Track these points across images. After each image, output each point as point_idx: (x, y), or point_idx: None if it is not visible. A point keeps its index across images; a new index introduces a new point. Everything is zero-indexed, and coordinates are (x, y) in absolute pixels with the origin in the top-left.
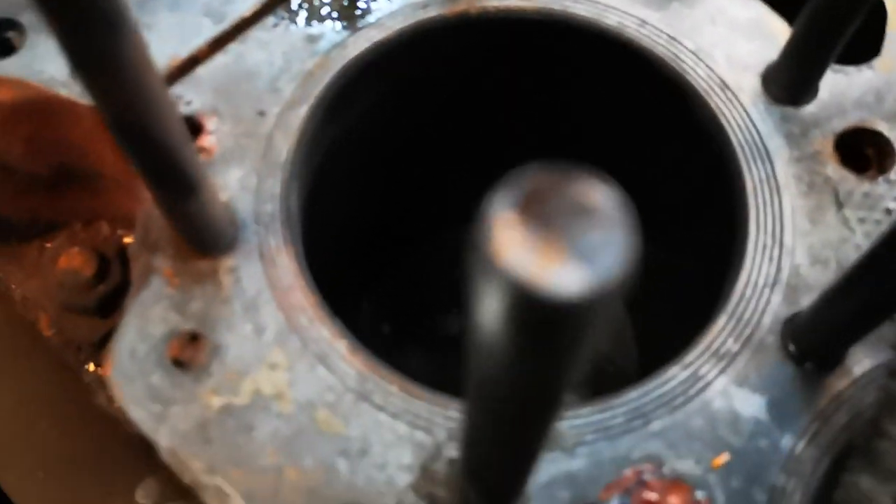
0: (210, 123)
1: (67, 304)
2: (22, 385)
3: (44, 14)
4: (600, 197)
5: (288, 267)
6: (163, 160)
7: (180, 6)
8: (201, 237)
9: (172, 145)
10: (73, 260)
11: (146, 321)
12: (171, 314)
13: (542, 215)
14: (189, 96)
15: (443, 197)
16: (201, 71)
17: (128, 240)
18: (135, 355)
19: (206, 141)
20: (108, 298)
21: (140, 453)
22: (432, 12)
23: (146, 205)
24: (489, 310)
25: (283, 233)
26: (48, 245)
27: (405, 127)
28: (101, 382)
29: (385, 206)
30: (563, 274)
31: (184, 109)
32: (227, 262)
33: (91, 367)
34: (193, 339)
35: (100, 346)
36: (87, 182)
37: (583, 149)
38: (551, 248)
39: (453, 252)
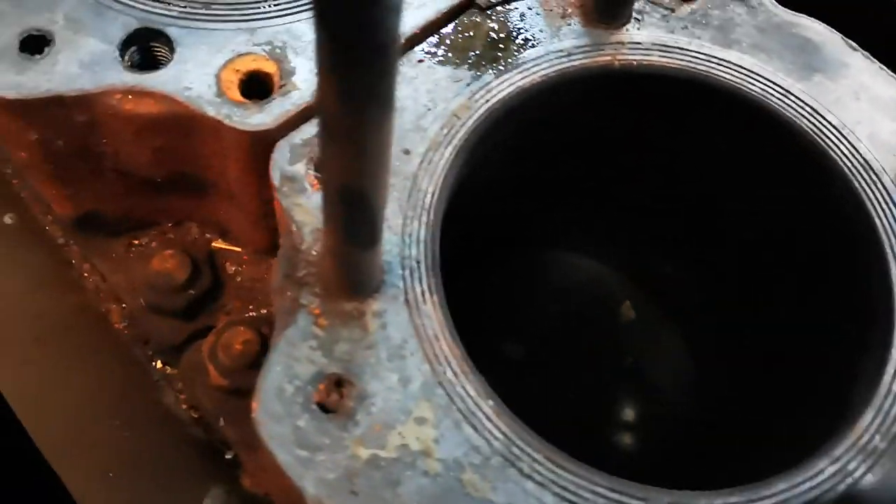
0: None
1: (154, 305)
2: (91, 381)
3: (330, 98)
4: None
5: (433, 315)
6: (368, 220)
7: None
8: (355, 279)
9: (381, 209)
10: (166, 262)
11: (293, 360)
12: (317, 355)
13: None
14: None
15: (531, 225)
16: None
17: (216, 244)
18: (282, 396)
19: None
20: (195, 302)
21: (206, 458)
22: (576, 61)
23: (293, 237)
24: None
25: (429, 280)
26: (136, 241)
27: (526, 166)
28: (169, 381)
29: (475, 232)
30: None
31: None
32: (374, 305)
33: (159, 364)
34: (339, 383)
35: (180, 349)
36: (194, 189)
37: (697, 191)
38: None
39: (522, 277)
